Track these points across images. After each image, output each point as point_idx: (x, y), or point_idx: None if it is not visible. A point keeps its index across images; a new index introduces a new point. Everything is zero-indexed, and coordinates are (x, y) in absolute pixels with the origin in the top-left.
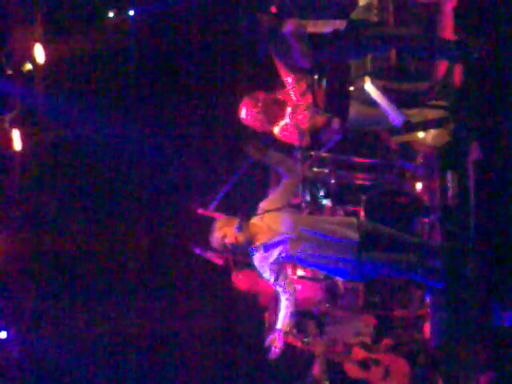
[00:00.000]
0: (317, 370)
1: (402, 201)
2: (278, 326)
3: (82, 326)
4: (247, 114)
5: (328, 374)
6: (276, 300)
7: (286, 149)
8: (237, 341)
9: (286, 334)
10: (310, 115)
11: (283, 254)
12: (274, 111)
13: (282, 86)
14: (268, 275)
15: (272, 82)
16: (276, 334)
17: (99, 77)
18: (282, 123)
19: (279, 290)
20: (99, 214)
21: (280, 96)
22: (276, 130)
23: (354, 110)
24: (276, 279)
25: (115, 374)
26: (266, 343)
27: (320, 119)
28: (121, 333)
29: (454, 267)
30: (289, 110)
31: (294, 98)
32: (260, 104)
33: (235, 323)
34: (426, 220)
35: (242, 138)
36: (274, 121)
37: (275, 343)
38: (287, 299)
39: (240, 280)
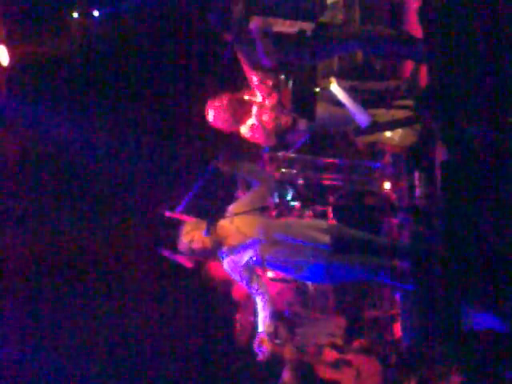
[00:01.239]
0: (287, 375)
1: (371, 201)
2: (260, 328)
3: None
4: (214, 116)
5: (300, 379)
6: (249, 297)
7: (254, 151)
8: (207, 343)
9: (271, 335)
10: (276, 115)
11: (254, 258)
12: (239, 111)
13: (248, 86)
14: (239, 279)
15: (238, 84)
16: (261, 337)
17: (64, 78)
18: (249, 123)
19: (253, 291)
20: (66, 216)
21: (245, 96)
22: (243, 130)
23: (321, 109)
24: (248, 282)
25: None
26: (254, 346)
27: (285, 119)
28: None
29: (422, 268)
30: (255, 109)
31: (259, 97)
32: (225, 104)
33: (207, 325)
34: (395, 220)
35: (211, 154)
36: (240, 121)
37: (263, 345)
38: (262, 300)
39: (215, 268)
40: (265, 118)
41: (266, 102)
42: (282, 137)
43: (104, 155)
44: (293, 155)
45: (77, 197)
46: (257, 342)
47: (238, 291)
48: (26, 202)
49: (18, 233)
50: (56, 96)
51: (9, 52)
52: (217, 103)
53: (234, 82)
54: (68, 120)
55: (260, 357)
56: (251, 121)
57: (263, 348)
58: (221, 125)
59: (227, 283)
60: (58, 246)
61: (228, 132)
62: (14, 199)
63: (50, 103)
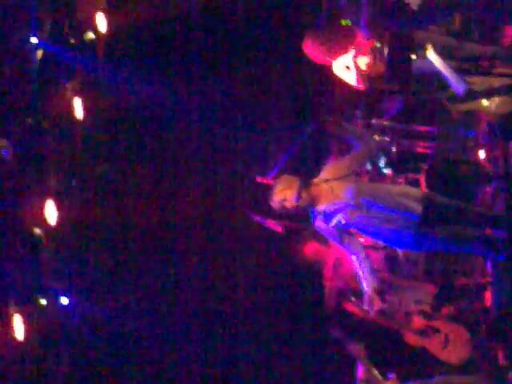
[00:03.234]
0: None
1: (464, 169)
2: (365, 288)
3: (145, 291)
4: (310, 45)
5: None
6: (339, 271)
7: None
8: (295, 309)
9: (376, 291)
10: (372, 60)
11: (343, 221)
12: (336, 43)
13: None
14: (331, 238)
15: None
16: (369, 295)
17: (161, 45)
18: (343, 61)
19: (346, 250)
20: (158, 181)
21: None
22: (336, 66)
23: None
24: (340, 242)
25: (178, 339)
26: (365, 306)
27: (380, 67)
28: (184, 299)
29: None
30: (352, 51)
31: (359, 37)
32: (322, 34)
33: (295, 291)
34: (489, 189)
35: (320, 113)
36: (334, 53)
37: (373, 302)
38: (358, 259)
39: (309, 248)
40: (360, 60)
41: (366, 44)
42: (377, 104)
43: (198, 120)
44: (386, 122)
45: (168, 162)
46: (366, 301)
47: (329, 269)
48: (118, 166)
49: (107, 196)
50: (154, 63)
51: (107, 19)
52: (315, 33)
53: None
54: (163, 86)
55: (372, 314)
56: (346, 60)
57: (374, 305)
58: (315, 55)
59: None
60: (145, 210)
61: (319, 62)
62: (109, 164)
63: (148, 70)
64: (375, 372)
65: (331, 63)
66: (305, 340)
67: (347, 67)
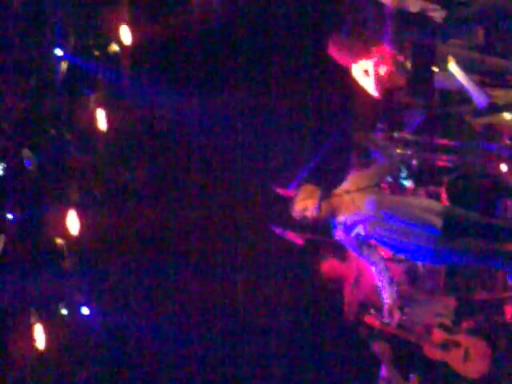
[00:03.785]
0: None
1: (486, 183)
2: (385, 299)
3: (165, 303)
4: (334, 43)
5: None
6: (359, 284)
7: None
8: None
9: (395, 302)
10: (393, 70)
11: (362, 233)
12: (360, 44)
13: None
14: (350, 248)
15: None
16: (388, 306)
17: (185, 58)
18: (364, 66)
19: (366, 261)
20: (180, 191)
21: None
22: (355, 69)
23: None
24: (360, 253)
25: (201, 351)
26: (385, 318)
27: (400, 78)
28: (204, 307)
29: None
30: (375, 58)
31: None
32: (349, 35)
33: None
34: (510, 203)
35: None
36: (357, 55)
37: (393, 313)
38: (376, 270)
39: (327, 265)
40: (381, 69)
41: (389, 53)
42: (398, 117)
43: (221, 131)
44: (408, 135)
45: (191, 173)
46: (386, 312)
47: (349, 288)
48: (141, 177)
49: (129, 207)
50: (177, 75)
51: (131, 32)
52: (338, 35)
53: None
54: (186, 98)
55: (392, 324)
56: (366, 65)
57: (393, 317)
58: (337, 56)
59: (340, 280)
60: (167, 221)
61: (341, 62)
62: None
63: (171, 82)
64: (397, 373)
65: (352, 65)
66: (329, 339)
67: (366, 72)
